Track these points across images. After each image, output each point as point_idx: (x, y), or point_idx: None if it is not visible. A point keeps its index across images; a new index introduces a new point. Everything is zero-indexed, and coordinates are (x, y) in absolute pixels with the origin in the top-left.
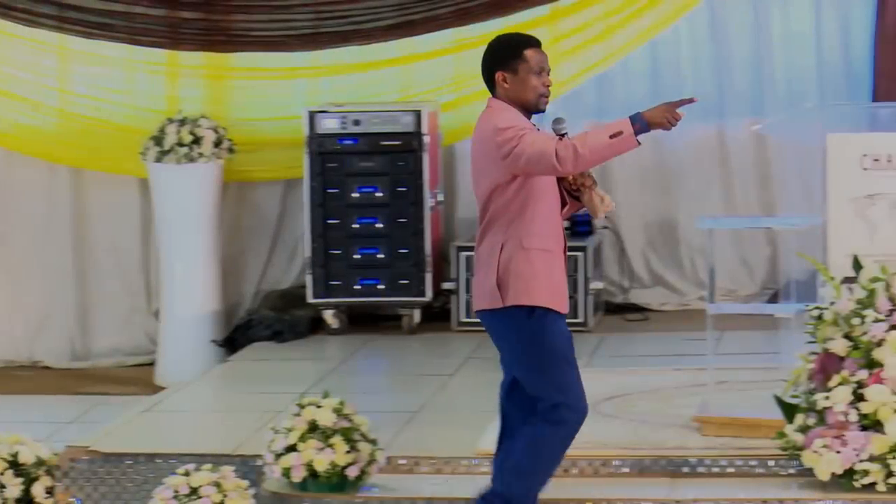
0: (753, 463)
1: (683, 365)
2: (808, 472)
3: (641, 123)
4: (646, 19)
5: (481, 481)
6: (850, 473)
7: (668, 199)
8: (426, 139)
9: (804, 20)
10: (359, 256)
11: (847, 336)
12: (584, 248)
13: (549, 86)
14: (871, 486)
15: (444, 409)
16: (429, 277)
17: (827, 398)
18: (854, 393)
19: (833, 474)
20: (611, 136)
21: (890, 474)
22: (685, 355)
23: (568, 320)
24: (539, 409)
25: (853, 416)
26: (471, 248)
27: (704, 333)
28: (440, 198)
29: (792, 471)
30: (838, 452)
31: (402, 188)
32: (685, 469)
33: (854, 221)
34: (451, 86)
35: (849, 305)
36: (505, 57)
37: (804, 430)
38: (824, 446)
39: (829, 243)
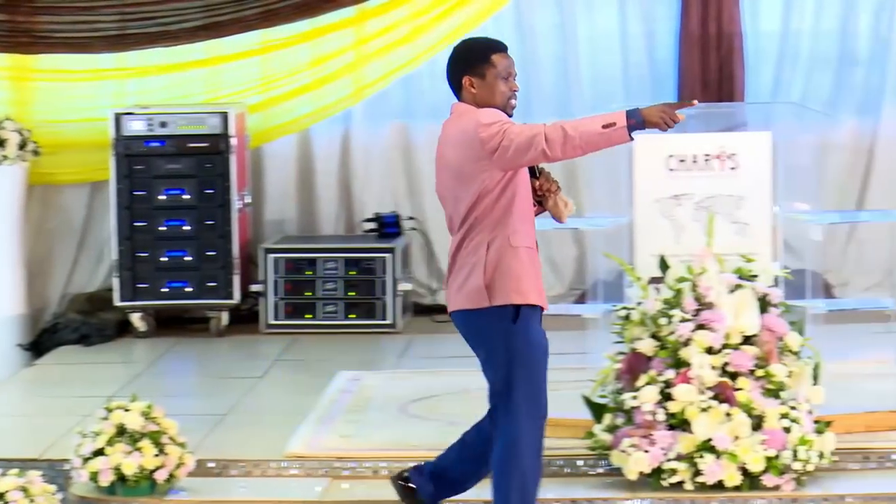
0: (561, 462)
1: None
2: (617, 472)
3: (637, 119)
4: (453, 20)
5: (291, 483)
6: (657, 472)
7: None
8: (233, 141)
9: (609, 21)
10: (166, 259)
11: (654, 336)
12: (392, 249)
13: (516, 90)
14: (678, 485)
15: (253, 411)
16: (237, 280)
17: (634, 398)
18: (661, 392)
19: (641, 473)
20: (603, 126)
21: (697, 473)
22: None
23: (375, 322)
24: (503, 411)
25: (661, 416)
26: (279, 251)
27: None
28: (248, 200)
29: (600, 470)
30: (646, 452)
31: (209, 190)
32: None
33: (660, 222)
34: (259, 87)
35: (655, 305)
36: (472, 61)
37: (612, 429)
38: (632, 445)
39: (636, 243)
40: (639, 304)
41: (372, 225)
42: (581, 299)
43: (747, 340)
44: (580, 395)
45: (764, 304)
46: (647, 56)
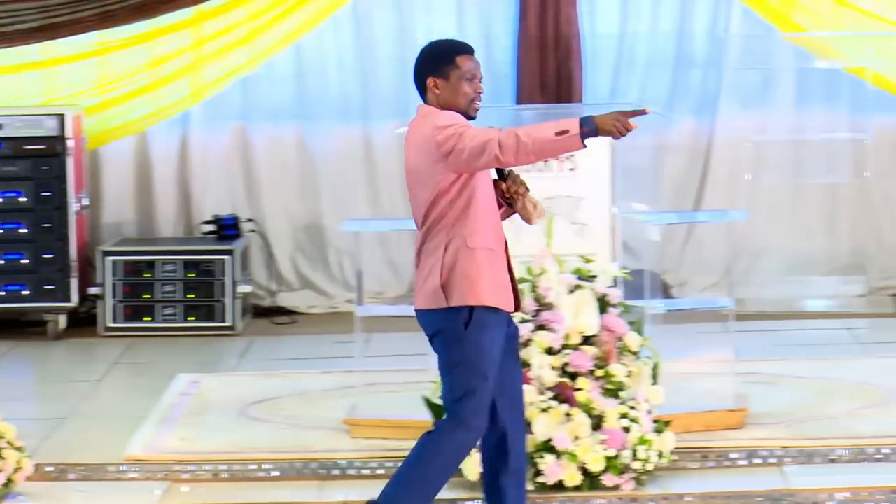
0: None
1: (332, 367)
2: (458, 473)
3: (590, 127)
4: (291, 21)
5: (130, 487)
6: None
7: (315, 202)
8: (70, 143)
9: (447, 22)
10: (2, 262)
11: None
12: (231, 251)
13: (480, 92)
14: None
15: (92, 415)
16: (74, 283)
17: None
18: None
19: (481, 474)
20: (556, 133)
21: (537, 473)
22: (334, 358)
23: (214, 324)
24: (447, 415)
25: None
26: (117, 253)
27: (353, 336)
28: (85, 202)
29: None
30: None
31: (46, 193)
32: (335, 472)
33: None
34: (95, 89)
35: None
36: (437, 63)
37: None
38: None
39: None
40: None
41: (211, 227)
42: None
43: (587, 341)
44: (421, 397)
45: (603, 305)
46: (485, 57)
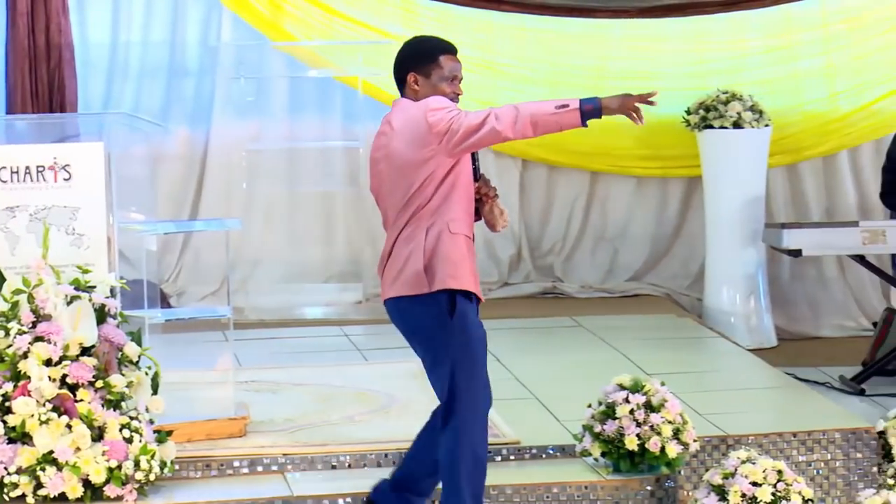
0: None
1: None
2: None
3: (594, 105)
4: None
5: None
6: None
7: None
8: None
9: None
10: None
11: None
12: None
13: (459, 94)
14: (21, 499)
15: None
16: None
17: None
18: (1, 406)
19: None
20: (557, 107)
21: (39, 486)
22: None
23: None
24: (447, 408)
25: (0, 430)
26: None
27: None
28: None
29: None
30: None
31: None
32: None
33: None
34: None
35: None
36: (420, 59)
37: None
38: None
39: None
40: None
41: None
42: None
43: (86, 352)
44: None
45: (101, 315)
46: None
